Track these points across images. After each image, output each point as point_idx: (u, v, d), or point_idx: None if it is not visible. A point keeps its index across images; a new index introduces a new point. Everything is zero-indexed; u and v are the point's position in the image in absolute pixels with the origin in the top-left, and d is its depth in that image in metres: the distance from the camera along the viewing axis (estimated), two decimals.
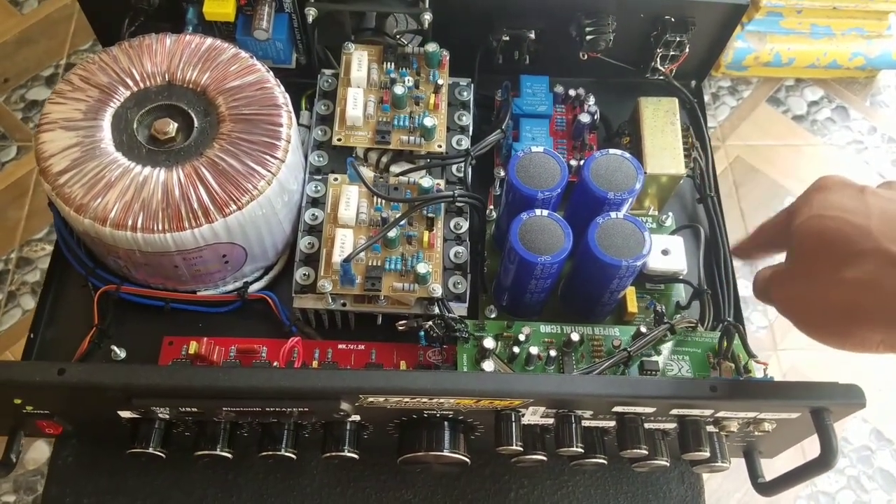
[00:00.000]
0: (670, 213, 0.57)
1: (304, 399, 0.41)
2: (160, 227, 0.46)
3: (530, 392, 0.40)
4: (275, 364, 0.49)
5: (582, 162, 0.57)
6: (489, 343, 0.46)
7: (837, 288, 0.36)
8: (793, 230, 0.38)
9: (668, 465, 0.45)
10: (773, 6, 1.46)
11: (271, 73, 0.53)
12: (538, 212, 0.47)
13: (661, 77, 0.64)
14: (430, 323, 0.49)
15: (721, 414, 0.43)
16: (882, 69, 1.65)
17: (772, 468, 0.48)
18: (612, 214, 0.47)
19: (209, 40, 0.53)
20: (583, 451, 0.43)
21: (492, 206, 0.56)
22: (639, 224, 0.47)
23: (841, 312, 0.36)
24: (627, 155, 0.49)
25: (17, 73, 1.53)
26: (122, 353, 0.52)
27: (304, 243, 0.52)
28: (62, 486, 0.51)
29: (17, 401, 0.43)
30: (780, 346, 1.23)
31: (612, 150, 0.50)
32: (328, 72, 0.59)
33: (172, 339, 0.52)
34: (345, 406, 0.42)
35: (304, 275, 0.51)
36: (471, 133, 0.57)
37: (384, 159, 0.56)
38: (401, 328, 0.50)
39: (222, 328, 0.53)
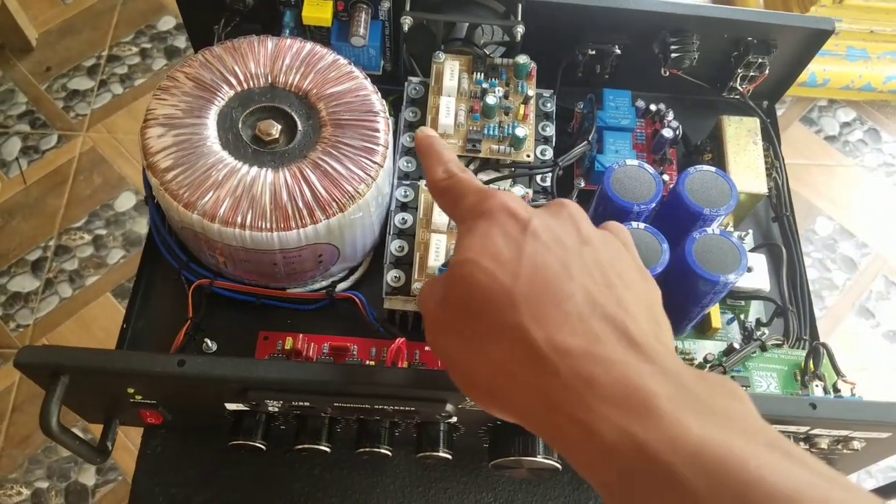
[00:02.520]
0: (750, 231, 0.58)
1: (415, 399, 0.42)
2: (267, 226, 0.47)
3: None
4: (368, 363, 0.50)
5: (665, 176, 0.59)
6: None
7: (480, 362, 0.31)
8: (450, 265, 0.33)
9: None
10: None
11: (368, 79, 0.54)
12: (635, 224, 0.48)
13: (737, 96, 0.65)
14: None
15: (815, 431, 0.44)
16: None
17: None
18: (709, 230, 0.48)
19: (309, 45, 0.54)
20: None
21: None
22: (735, 241, 0.48)
23: (484, 387, 0.32)
24: (721, 172, 0.50)
25: (59, 62, 1.55)
26: (213, 346, 0.53)
27: (394, 246, 0.53)
28: (151, 476, 0.52)
29: (131, 390, 0.44)
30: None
31: (705, 167, 0.51)
32: (415, 79, 0.60)
33: (267, 334, 0.53)
34: (449, 407, 0.43)
35: (395, 277, 0.52)
36: (554, 144, 0.59)
37: (471, 167, 0.57)
38: None
39: (309, 325, 0.54)
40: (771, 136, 0.64)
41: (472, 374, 0.32)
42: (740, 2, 1.68)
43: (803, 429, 0.44)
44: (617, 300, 0.30)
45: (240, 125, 0.50)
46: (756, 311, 0.55)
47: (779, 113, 0.68)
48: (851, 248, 1.49)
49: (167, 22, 1.61)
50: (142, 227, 1.39)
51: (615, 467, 0.27)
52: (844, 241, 1.50)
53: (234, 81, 0.52)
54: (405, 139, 0.58)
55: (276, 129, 0.50)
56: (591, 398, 0.27)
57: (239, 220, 0.47)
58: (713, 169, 0.51)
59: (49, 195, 1.42)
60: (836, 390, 0.48)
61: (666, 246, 0.47)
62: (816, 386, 0.48)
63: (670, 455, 0.25)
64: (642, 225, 0.48)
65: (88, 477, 1.21)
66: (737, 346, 0.49)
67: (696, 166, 0.51)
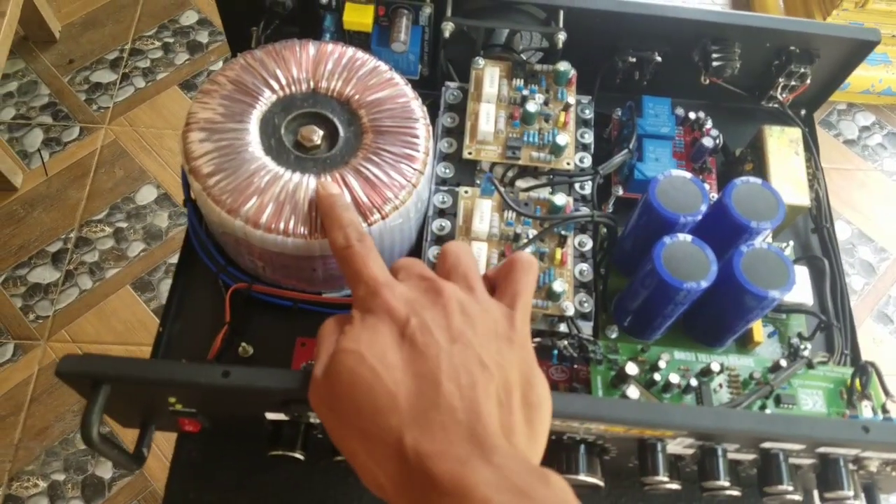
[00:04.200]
0: (790, 243, 0.58)
1: None
2: (309, 232, 0.47)
3: (689, 425, 0.41)
4: None
5: (705, 185, 0.58)
6: (632, 369, 0.47)
7: (357, 448, 0.35)
8: (338, 347, 0.36)
9: (801, 500, 0.46)
10: None
11: (409, 86, 0.53)
12: (681, 236, 0.47)
13: (776, 105, 0.64)
14: (566, 342, 0.49)
15: (866, 454, 0.43)
16: None
17: None
18: (756, 244, 0.47)
19: (350, 50, 0.53)
20: (728, 484, 0.43)
21: None
22: (782, 256, 0.47)
23: (361, 471, 0.35)
24: (768, 184, 0.50)
25: (83, 54, 1.55)
26: (250, 351, 0.53)
27: (432, 253, 0.53)
28: (185, 482, 0.52)
29: (172, 399, 0.44)
30: None
31: (751, 178, 0.50)
32: (453, 85, 0.60)
33: (305, 340, 0.52)
34: None
35: None
36: (592, 151, 0.58)
37: (510, 174, 0.57)
38: (533, 346, 0.50)
39: None
40: (810, 146, 0.64)
41: (350, 454, 0.36)
42: (760, 7, 1.67)
43: (854, 451, 0.43)
44: (473, 403, 0.34)
45: (282, 130, 0.50)
46: (797, 324, 0.55)
47: (815, 119, 0.67)
48: (870, 252, 1.48)
49: (190, 17, 1.61)
50: (163, 220, 1.39)
51: None
52: (863, 245, 1.49)
53: (276, 86, 0.51)
54: (443, 145, 0.57)
55: (318, 136, 0.50)
56: (433, 494, 0.31)
57: (282, 226, 0.47)
58: (759, 181, 0.50)
59: (70, 187, 1.42)
60: (885, 411, 0.48)
61: (714, 259, 0.47)
62: (865, 406, 0.47)
63: None
64: (689, 237, 0.47)
65: (105, 470, 1.21)
66: (783, 362, 0.48)
67: (742, 178, 0.50)
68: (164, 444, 1.17)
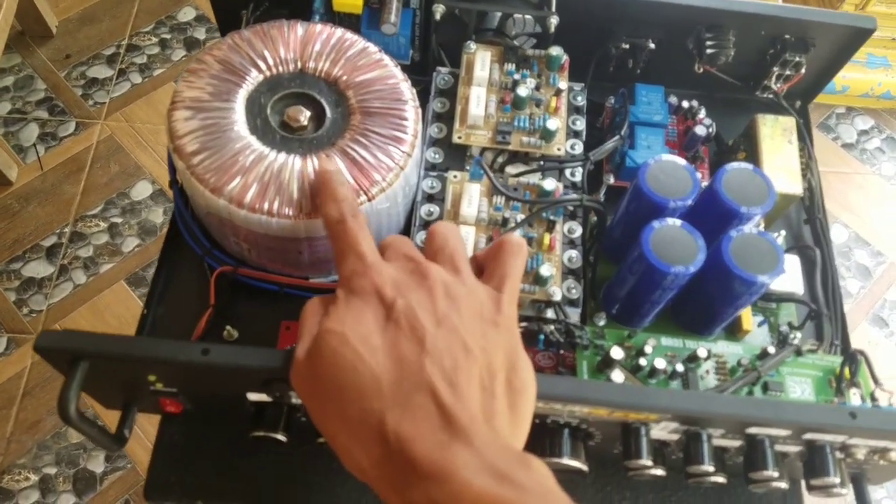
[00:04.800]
0: (782, 232, 0.57)
1: None
2: (294, 214, 0.46)
3: (674, 408, 0.40)
4: None
5: (698, 174, 0.58)
6: (617, 354, 0.46)
7: (338, 427, 0.35)
8: (322, 327, 0.36)
9: (787, 488, 0.45)
10: None
11: (399, 67, 0.53)
12: (670, 221, 0.47)
13: (771, 95, 0.64)
14: (552, 327, 0.49)
15: (853, 441, 0.43)
16: None
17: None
18: (746, 229, 0.47)
19: (339, 31, 0.53)
20: (713, 469, 0.43)
21: None
22: (772, 241, 0.46)
23: (341, 447, 0.35)
24: (759, 170, 0.49)
25: (79, 49, 1.55)
26: (235, 334, 0.52)
27: (419, 238, 0.52)
28: (168, 464, 0.51)
29: (152, 377, 0.43)
30: None
31: (742, 164, 0.49)
32: (444, 69, 0.59)
33: (290, 323, 0.52)
34: None
35: None
36: (584, 138, 0.57)
37: (500, 159, 0.56)
38: (520, 330, 0.50)
39: None
40: (804, 137, 0.63)
41: (332, 436, 0.35)
42: None
43: (840, 438, 0.43)
44: (456, 387, 0.34)
45: (268, 110, 0.50)
46: (787, 314, 0.54)
47: (808, 109, 0.66)
48: (866, 256, 1.48)
49: (187, 13, 1.61)
50: (157, 216, 1.39)
51: None
52: (859, 249, 1.48)
53: (263, 66, 0.51)
54: (433, 130, 0.57)
55: (304, 116, 0.49)
56: (413, 477, 0.31)
57: (266, 206, 0.46)
58: (750, 166, 0.49)
59: (65, 182, 1.42)
60: (874, 399, 0.47)
61: (702, 244, 0.46)
62: (854, 394, 0.47)
63: None
64: (678, 222, 0.47)
65: (97, 464, 1.20)
66: (771, 349, 0.48)
67: (733, 163, 0.49)
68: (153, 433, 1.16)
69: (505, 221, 0.52)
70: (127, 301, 1.31)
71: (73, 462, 1.21)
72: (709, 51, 0.59)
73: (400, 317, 0.36)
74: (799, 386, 0.48)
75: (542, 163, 0.56)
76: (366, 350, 0.34)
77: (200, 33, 1.58)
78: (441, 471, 0.31)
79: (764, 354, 0.48)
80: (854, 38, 0.59)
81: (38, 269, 1.34)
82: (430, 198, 0.54)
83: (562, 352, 0.50)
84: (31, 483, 1.18)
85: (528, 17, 0.59)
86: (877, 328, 1.40)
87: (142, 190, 1.41)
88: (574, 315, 0.51)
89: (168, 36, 1.58)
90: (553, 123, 0.54)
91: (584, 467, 0.45)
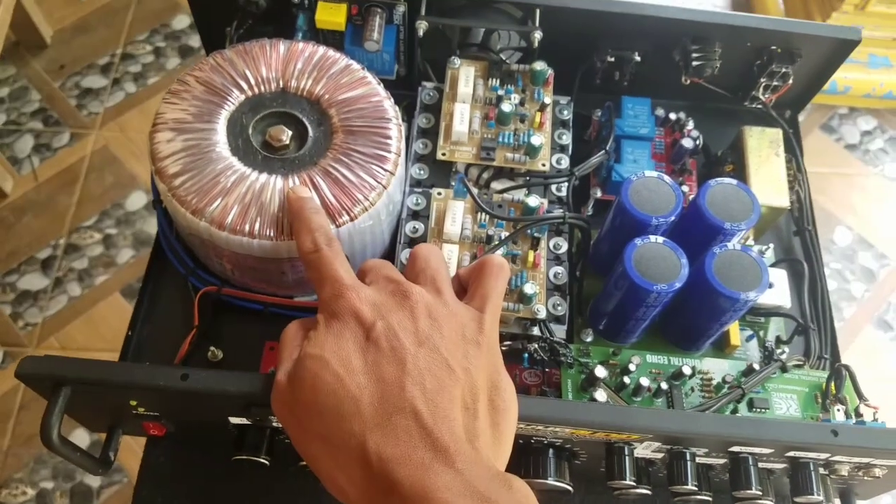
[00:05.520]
0: (771, 245, 0.57)
1: None
2: (276, 234, 0.46)
3: (654, 428, 0.40)
4: None
5: (685, 187, 0.57)
6: (601, 372, 0.46)
7: (318, 451, 0.35)
8: (303, 353, 0.36)
9: None
10: None
11: (381, 85, 0.52)
12: (653, 238, 0.47)
13: (759, 106, 0.63)
14: (536, 345, 0.48)
15: (836, 458, 0.43)
16: None
17: None
18: (729, 245, 0.47)
19: (322, 49, 0.52)
20: (696, 488, 0.43)
21: None
22: (756, 257, 0.46)
23: (323, 471, 0.35)
24: (743, 185, 0.49)
25: (74, 59, 1.55)
26: (220, 355, 0.52)
27: (404, 255, 0.52)
28: (154, 487, 0.51)
29: (133, 402, 0.43)
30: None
31: (726, 179, 0.49)
32: (429, 85, 0.59)
33: (273, 344, 0.51)
34: None
35: None
36: (570, 152, 0.57)
37: (485, 175, 0.56)
38: (503, 349, 0.50)
39: None
40: (794, 148, 0.63)
41: (313, 460, 0.36)
42: (760, 8, 1.66)
43: (823, 456, 0.42)
44: (438, 408, 0.34)
45: (250, 131, 0.49)
46: (776, 327, 0.54)
47: (799, 120, 0.66)
48: (870, 258, 1.47)
49: (182, 21, 1.60)
50: (152, 227, 1.39)
51: None
52: (863, 251, 1.48)
53: (244, 86, 0.50)
54: (418, 146, 0.57)
55: (286, 135, 0.49)
56: (395, 499, 0.31)
57: (247, 227, 0.46)
58: (734, 182, 0.49)
59: (60, 193, 1.42)
60: (858, 415, 0.47)
61: (685, 261, 0.46)
62: (838, 410, 0.47)
63: None
64: (661, 239, 0.47)
65: (93, 478, 1.20)
66: (756, 365, 0.47)
67: (717, 179, 0.49)
68: None
69: (489, 239, 0.51)
70: (122, 313, 1.31)
71: (69, 476, 1.21)
72: (695, 63, 0.58)
73: (380, 337, 0.36)
74: (784, 402, 0.48)
75: (527, 178, 0.55)
76: (346, 373, 0.34)
77: (195, 41, 1.58)
78: (421, 492, 0.31)
79: (749, 371, 0.47)
80: (840, 48, 0.59)
81: (34, 281, 1.34)
82: (415, 215, 0.54)
83: (547, 370, 0.50)
84: (28, 497, 1.18)
85: (513, 32, 0.58)
86: (881, 331, 1.39)
87: (136, 200, 1.41)
88: (560, 332, 0.51)
89: (163, 44, 1.57)
90: (537, 139, 0.54)
91: (570, 487, 0.45)
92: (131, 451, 1.18)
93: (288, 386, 0.36)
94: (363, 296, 0.38)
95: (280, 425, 0.44)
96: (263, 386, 0.40)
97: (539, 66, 0.56)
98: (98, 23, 1.59)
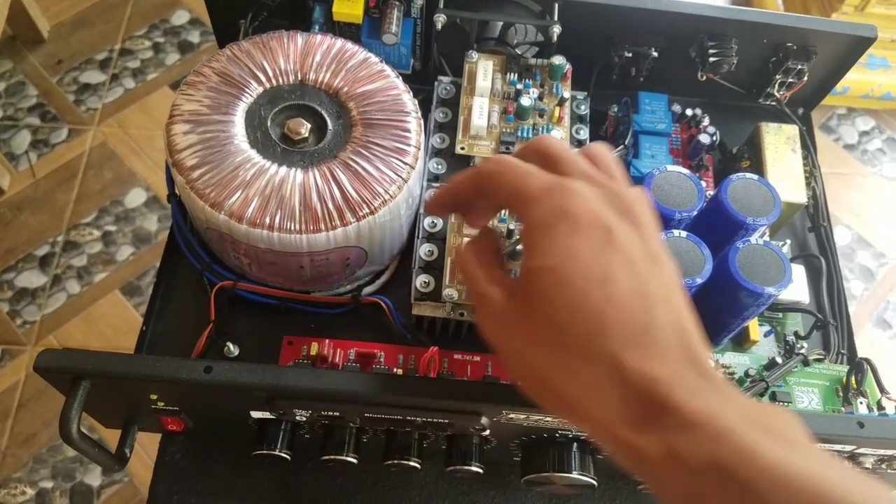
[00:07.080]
0: (787, 241, 0.57)
1: (452, 412, 0.40)
2: (296, 228, 0.46)
3: None
4: (395, 370, 0.49)
5: (702, 183, 0.57)
6: None
7: (560, 375, 0.31)
8: (529, 269, 0.32)
9: None
10: None
11: (400, 78, 0.52)
12: (676, 233, 0.46)
13: (773, 103, 0.63)
14: None
15: (861, 450, 0.42)
16: None
17: None
18: (752, 240, 0.46)
19: (340, 42, 0.52)
20: None
21: None
22: (779, 252, 0.46)
23: (557, 396, 0.32)
24: (764, 180, 0.49)
25: (72, 54, 1.54)
26: (235, 350, 0.51)
27: (423, 250, 0.52)
28: (170, 483, 0.51)
29: (153, 396, 0.42)
30: None
31: (748, 174, 0.49)
32: (446, 79, 0.59)
33: (292, 339, 0.51)
34: (484, 420, 0.42)
35: (424, 282, 0.51)
36: None
37: None
38: None
39: (333, 330, 0.53)
40: (808, 144, 0.63)
41: (544, 380, 0.32)
42: (757, 5, 1.66)
43: (848, 448, 0.42)
44: (683, 326, 0.31)
45: (269, 123, 0.49)
46: (793, 323, 0.54)
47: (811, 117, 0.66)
48: (869, 257, 1.48)
49: (181, 16, 1.59)
50: (152, 223, 1.38)
51: (690, 482, 0.28)
52: (862, 250, 1.48)
53: (262, 78, 0.50)
54: (435, 140, 0.56)
55: (305, 128, 0.49)
56: (676, 424, 0.28)
57: (267, 221, 0.45)
58: (756, 177, 0.49)
59: (58, 190, 1.41)
60: (881, 408, 0.47)
61: (709, 254, 0.46)
62: (861, 403, 0.46)
63: (746, 471, 0.27)
64: (684, 233, 0.46)
65: (94, 477, 1.19)
66: (777, 359, 0.47)
67: (739, 174, 0.49)
68: (153, 450, 1.15)
69: (510, 233, 0.51)
70: (121, 311, 1.30)
71: (69, 475, 1.20)
72: (712, 59, 0.58)
73: (618, 245, 0.31)
74: (806, 396, 0.48)
75: None
76: (587, 285, 0.30)
77: (195, 36, 1.57)
78: (712, 424, 0.28)
79: (771, 364, 0.47)
80: (855, 46, 0.59)
81: (32, 279, 1.32)
82: None
83: None
84: (27, 497, 1.17)
85: (529, 26, 0.58)
86: (880, 330, 1.40)
87: (136, 197, 1.40)
88: None
89: (161, 39, 1.56)
90: (557, 133, 0.53)
91: (594, 481, 0.45)
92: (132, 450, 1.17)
93: (514, 304, 0.33)
94: (590, 192, 0.32)
95: (303, 419, 0.43)
96: (288, 378, 0.39)
97: (557, 60, 0.56)
98: (96, 18, 1.58)
